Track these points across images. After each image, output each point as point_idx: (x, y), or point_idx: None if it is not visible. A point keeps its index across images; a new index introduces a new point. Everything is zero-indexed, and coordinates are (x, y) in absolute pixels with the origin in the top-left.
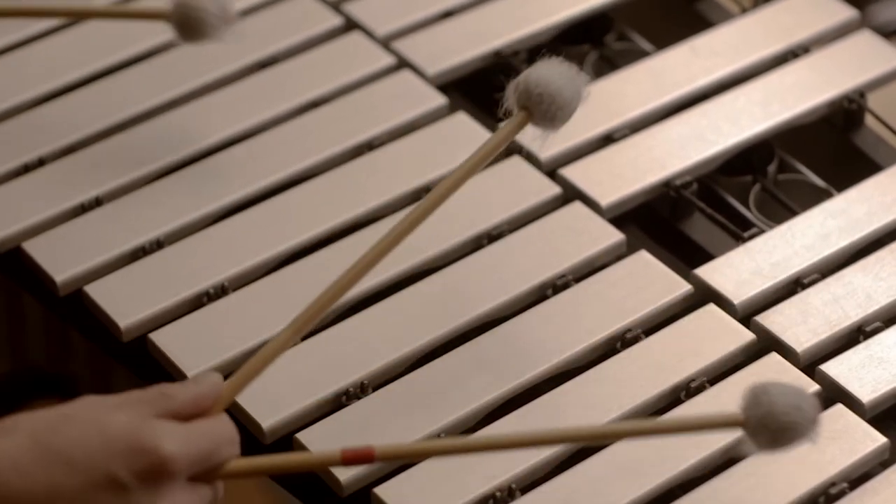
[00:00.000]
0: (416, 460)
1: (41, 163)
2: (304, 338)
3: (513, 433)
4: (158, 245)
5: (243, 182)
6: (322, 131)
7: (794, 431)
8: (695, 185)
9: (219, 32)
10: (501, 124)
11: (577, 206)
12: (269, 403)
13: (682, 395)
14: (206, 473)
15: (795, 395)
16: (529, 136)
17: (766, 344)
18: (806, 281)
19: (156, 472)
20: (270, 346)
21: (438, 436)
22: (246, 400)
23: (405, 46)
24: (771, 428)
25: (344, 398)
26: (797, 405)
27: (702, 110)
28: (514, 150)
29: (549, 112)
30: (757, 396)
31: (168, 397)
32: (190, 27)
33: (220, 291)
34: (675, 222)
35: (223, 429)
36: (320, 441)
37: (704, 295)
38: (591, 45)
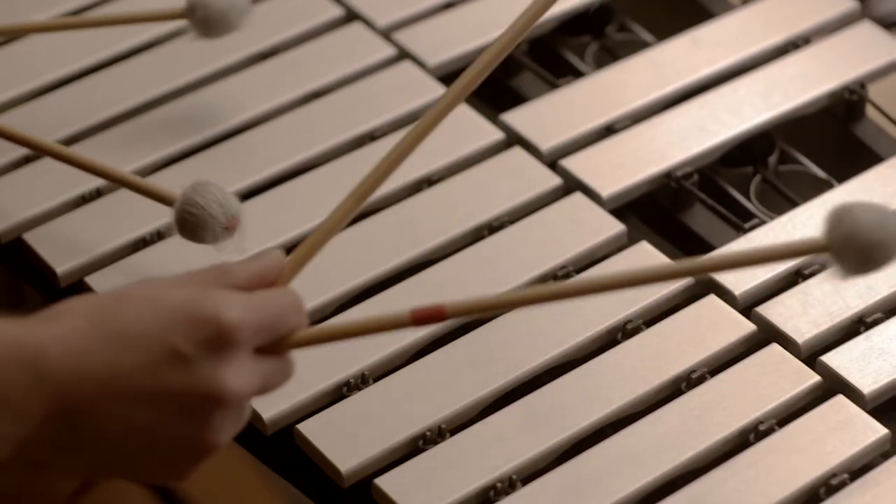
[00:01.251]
0: (487, 315)
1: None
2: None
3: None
4: (160, 236)
5: (245, 172)
6: (323, 122)
7: (881, 249)
8: (696, 176)
9: (236, 27)
10: None
11: (577, 197)
12: (270, 394)
13: (683, 385)
14: (274, 344)
15: (878, 212)
16: (529, 126)
17: (767, 335)
18: (807, 271)
19: (218, 341)
20: (325, 226)
21: (440, 427)
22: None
23: (406, 37)
24: (856, 247)
25: (345, 389)
26: (881, 222)
27: (703, 101)
28: (514, 140)
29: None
30: (839, 217)
31: (229, 273)
32: (210, 25)
33: None
34: (676, 213)
35: (288, 297)
36: (322, 432)
37: (705, 285)
38: (591, 35)
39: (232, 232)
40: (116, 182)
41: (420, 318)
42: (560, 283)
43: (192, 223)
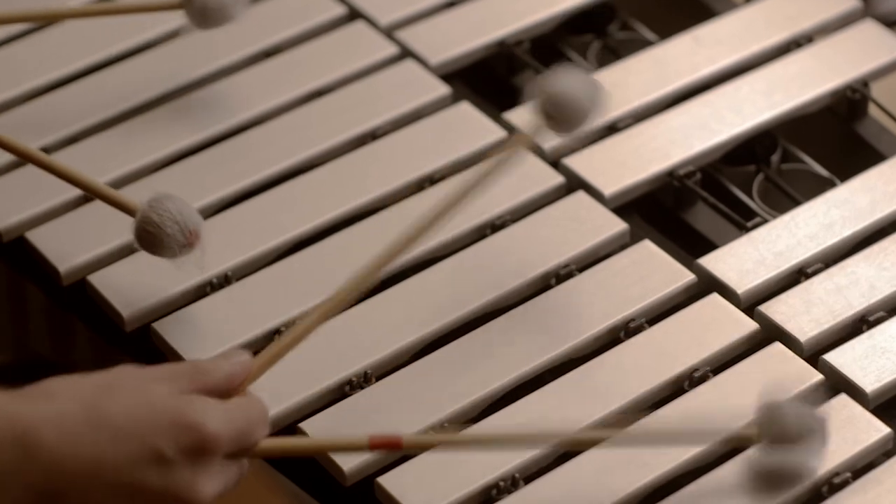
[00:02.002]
0: (442, 450)
1: (45, 152)
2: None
3: (532, 430)
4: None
5: (246, 171)
6: (325, 121)
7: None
8: (698, 175)
9: (233, 18)
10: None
11: (580, 196)
12: (272, 392)
13: (686, 384)
14: (239, 452)
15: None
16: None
17: (770, 333)
18: (809, 270)
19: (199, 449)
20: (297, 328)
21: (442, 425)
22: (250, 388)
23: (408, 36)
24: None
25: (347, 387)
26: (810, 427)
27: (705, 100)
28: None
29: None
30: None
31: (203, 373)
32: (208, 16)
33: (224, 281)
34: (679, 212)
35: (258, 408)
36: (324, 430)
37: (708, 284)
38: (594, 34)
39: (192, 247)
40: (85, 191)
41: (377, 444)
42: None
43: (149, 241)
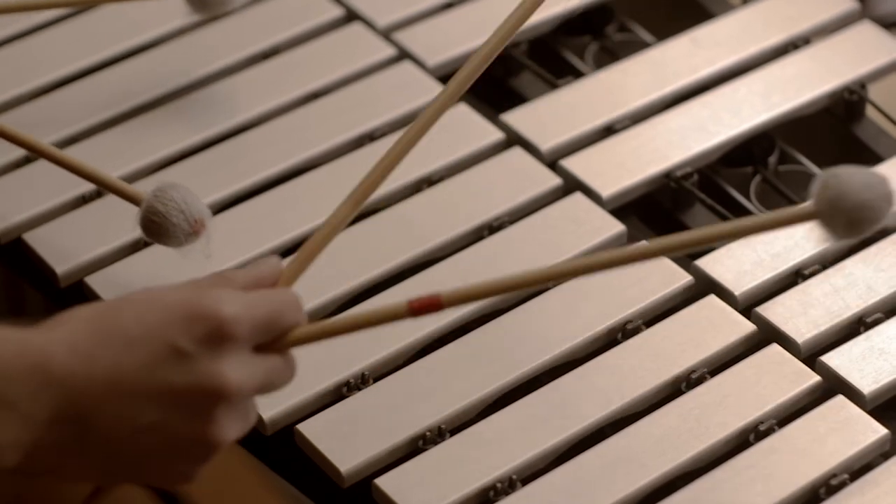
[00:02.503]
0: (482, 298)
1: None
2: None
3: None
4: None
5: (244, 173)
6: (323, 122)
7: (868, 210)
8: (695, 177)
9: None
10: None
11: (577, 198)
12: (270, 395)
13: (683, 386)
14: (273, 342)
15: (865, 174)
16: (529, 126)
17: (767, 335)
18: (807, 272)
19: (217, 336)
20: (324, 229)
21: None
22: None
23: (406, 37)
24: (844, 210)
25: (345, 389)
26: (867, 183)
27: (703, 101)
28: (514, 141)
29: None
30: (825, 181)
31: (227, 279)
32: (206, 1)
33: None
34: (676, 213)
35: (286, 295)
36: (322, 432)
37: (705, 286)
38: (591, 36)
39: (198, 235)
40: (91, 181)
41: (417, 308)
42: (553, 266)
43: (155, 230)
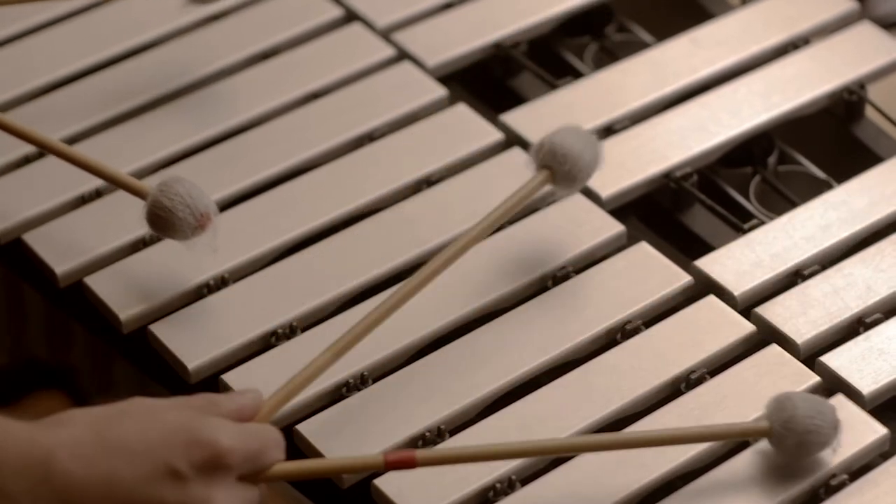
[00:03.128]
0: (457, 463)
1: (41, 154)
2: (303, 330)
3: (547, 441)
4: (159, 237)
5: (243, 173)
6: (323, 123)
7: (817, 434)
8: (695, 177)
9: None
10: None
11: (577, 198)
12: (269, 395)
13: (683, 386)
14: (253, 474)
15: (817, 402)
16: (529, 127)
17: (767, 335)
18: (806, 272)
19: (213, 465)
20: (310, 368)
21: (436, 437)
22: None
23: (405, 38)
24: (796, 432)
25: (344, 389)
26: (819, 410)
27: (702, 102)
28: (513, 141)
29: (570, 173)
30: (780, 402)
31: (214, 404)
32: None
33: (221, 283)
34: (676, 214)
35: (271, 432)
36: (321, 432)
37: (705, 286)
38: (591, 36)
39: (204, 229)
40: (101, 177)
41: (392, 463)
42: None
43: (161, 225)
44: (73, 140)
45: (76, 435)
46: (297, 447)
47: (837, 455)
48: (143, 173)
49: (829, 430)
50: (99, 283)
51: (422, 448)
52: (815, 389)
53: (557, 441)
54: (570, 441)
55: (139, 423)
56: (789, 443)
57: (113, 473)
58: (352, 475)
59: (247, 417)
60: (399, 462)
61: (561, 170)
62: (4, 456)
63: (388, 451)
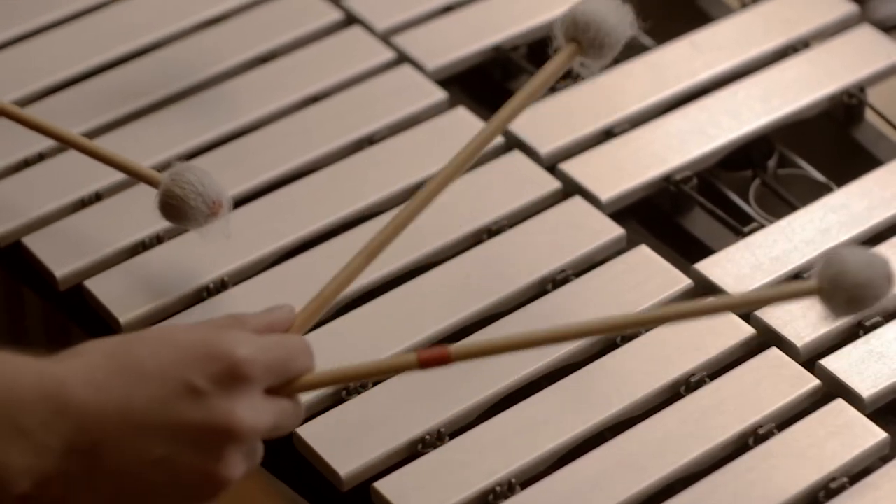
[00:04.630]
0: (492, 355)
1: (41, 157)
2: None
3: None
4: (158, 240)
5: (243, 176)
6: (322, 126)
7: (869, 288)
8: (695, 180)
9: None
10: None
11: (576, 201)
12: None
13: (682, 389)
14: (283, 386)
15: (866, 254)
16: (528, 130)
17: (767, 338)
18: (806, 276)
19: (231, 377)
20: (339, 278)
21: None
22: None
23: (405, 41)
24: (846, 287)
25: (344, 393)
26: (869, 262)
27: (702, 105)
28: (513, 144)
29: (597, 40)
30: (828, 260)
31: (241, 322)
32: None
33: (220, 286)
34: (675, 217)
35: (298, 341)
36: (321, 436)
37: (704, 289)
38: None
39: (216, 216)
40: (107, 163)
41: (426, 360)
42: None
43: (174, 214)
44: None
45: (89, 362)
46: (297, 450)
47: (837, 458)
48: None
49: (882, 282)
50: (99, 287)
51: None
52: (814, 393)
53: (595, 322)
54: (610, 321)
55: (153, 344)
56: (840, 299)
57: (129, 397)
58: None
59: (278, 331)
60: (433, 359)
61: (586, 39)
62: (17, 390)
63: (421, 349)
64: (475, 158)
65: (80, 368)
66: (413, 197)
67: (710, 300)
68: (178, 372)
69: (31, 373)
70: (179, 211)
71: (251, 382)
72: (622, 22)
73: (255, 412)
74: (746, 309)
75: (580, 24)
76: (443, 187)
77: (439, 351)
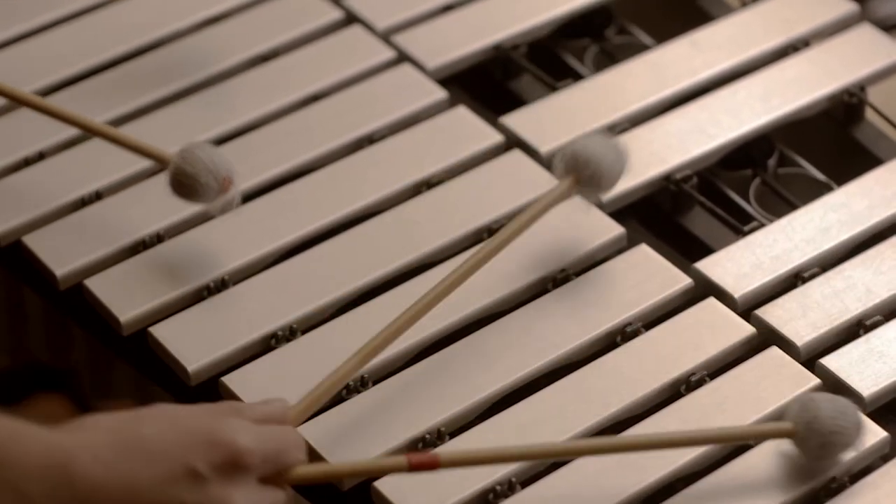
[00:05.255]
0: (480, 465)
1: (41, 156)
2: (303, 332)
3: (574, 442)
4: (158, 239)
5: (243, 176)
6: (322, 125)
7: (841, 436)
8: (695, 179)
9: None
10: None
11: (577, 200)
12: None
13: (683, 388)
14: (275, 476)
15: (839, 402)
16: (528, 129)
17: (767, 338)
18: (806, 275)
19: (231, 465)
20: (335, 376)
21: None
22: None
23: (405, 40)
24: (820, 433)
25: (344, 392)
26: (842, 411)
27: (702, 104)
28: (513, 143)
29: (594, 177)
30: (804, 404)
31: (238, 410)
32: None
33: (221, 285)
34: (676, 216)
35: (292, 434)
36: (321, 434)
37: (705, 288)
38: (591, 38)
39: (227, 192)
40: (115, 143)
41: (416, 465)
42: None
43: (185, 191)
44: (70, 144)
45: (96, 438)
46: None
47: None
48: (143, 175)
49: (853, 431)
50: (99, 286)
51: (420, 450)
52: (815, 391)
53: (588, 442)
54: (600, 442)
55: (159, 425)
56: (813, 444)
57: (132, 475)
58: (353, 479)
59: (272, 423)
60: (423, 464)
61: (584, 175)
62: (25, 459)
63: (411, 454)
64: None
65: (88, 443)
66: (417, 302)
67: (683, 433)
68: (182, 455)
69: (39, 442)
70: (191, 188)
71: (249, 471)
72: (619, 161)
73: (249, 500)
74: (722, 442)
75: (580, 160)
76: (438, 301)
77: (429, 456)
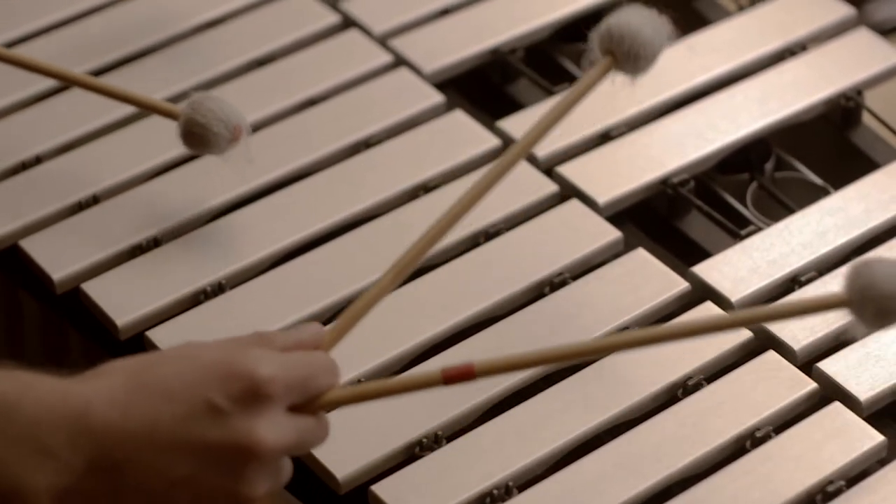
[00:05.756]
0: (515, 370)
1: (38, 161)
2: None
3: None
4: (156, 243)
5: (240, 180)
6: (319, 129)
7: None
8: (692, 183)
9: None
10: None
11: (574, 204)
12: None
13: (679, 393)
14: (306, 403)
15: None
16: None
17: (763, 342)
18: (803, 279)
19: (253, 396)
20: (368, 295)
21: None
22: None
23: (402, 44)
24: (874, 299)
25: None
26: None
27: (699, 108)
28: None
29: (631, 52)
30: (857, 271)
31: (267, 339)
32: None
33: (218, 289)
34: (673, 220)
35: (321, 358)
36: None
37: (702, 293)
38: (587, 42)
39: (237, 140)
40: (130, 103)
41: (450, 377)
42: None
43: (197, 142)
44: (67, 148)
45: (112, 383)
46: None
47: (834, 462)
48: (140, 179)
49: None
50: (96, 290)
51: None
52: (811, 396)
53: (614, 339)
54: (630, 336)
55: (177, 364)
56: (869, 311)
57: (152, 416)
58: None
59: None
60: (459, 375)
61: (621, 51)
62: (41, 410)
63: (446, 368)
64: (504, 176)
65: (104, 388)
66: (447, 212)
67: (732, 314)
68: (200, 391)
69: (56, 392)
70: (202, 139)
71: (272, 401)
72: (658, 34)
73: (276, 431)
74: (770, 321)
75: (615, 36)
76: (472, 204)
77: (464, 367)
